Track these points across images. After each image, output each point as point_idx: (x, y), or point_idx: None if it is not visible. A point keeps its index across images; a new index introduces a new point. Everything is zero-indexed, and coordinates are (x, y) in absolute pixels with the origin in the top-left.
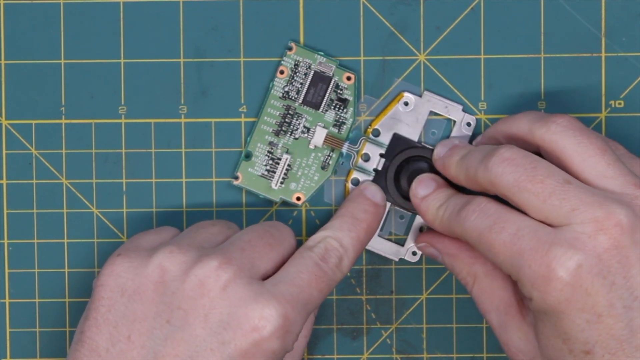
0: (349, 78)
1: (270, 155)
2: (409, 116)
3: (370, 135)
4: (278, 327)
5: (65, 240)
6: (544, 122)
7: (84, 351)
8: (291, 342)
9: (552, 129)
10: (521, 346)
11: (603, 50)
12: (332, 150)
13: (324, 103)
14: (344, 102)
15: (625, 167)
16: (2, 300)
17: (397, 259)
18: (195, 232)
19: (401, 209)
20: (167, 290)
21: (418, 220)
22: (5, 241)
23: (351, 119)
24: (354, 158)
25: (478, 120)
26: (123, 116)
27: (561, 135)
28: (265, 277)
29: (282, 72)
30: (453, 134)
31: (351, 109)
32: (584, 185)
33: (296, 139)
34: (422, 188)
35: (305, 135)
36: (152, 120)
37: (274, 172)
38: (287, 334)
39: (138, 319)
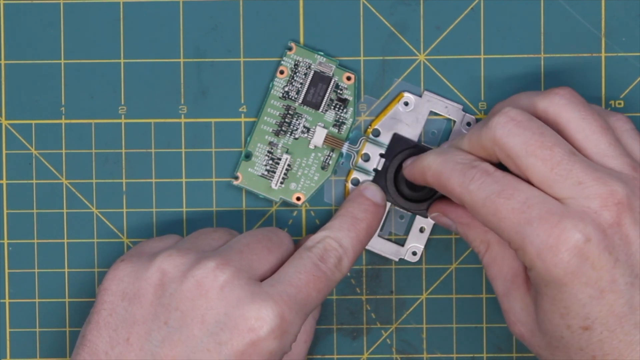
0: (349, 78)
1: (270, 155)
2: (409, 116)
3: (370, 135)
4: (275, 328)
5: (65, 240)
6: (546, 95)
7: (85, 354)
8: (289, 342)
9: (555, 100)
10: (522, 316)
11: (603, 50)
12: (332, 150)
13: (324, 103)
14: (344, 102)
15: (624, 149)
16: (2, 300)
17: (397, 259)
18: (197, 237)
19: (401, 209)
20: (165, 292)
21: (418, 220)
22: (5, 241)
23: (351, 119)
24: (354, 158)
25: (478, 120)
26: (123, 116)
27: (565, 107)
28: (263, 279)
29: (282, 72)
30: (453, 134)
31: (351, 109)
32: (587, 160)
33: (296, 139)
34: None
35: (305, 135)
36: (152, 120)
37: (274, 172)
38: (284, 334)
39: (137, 322)
